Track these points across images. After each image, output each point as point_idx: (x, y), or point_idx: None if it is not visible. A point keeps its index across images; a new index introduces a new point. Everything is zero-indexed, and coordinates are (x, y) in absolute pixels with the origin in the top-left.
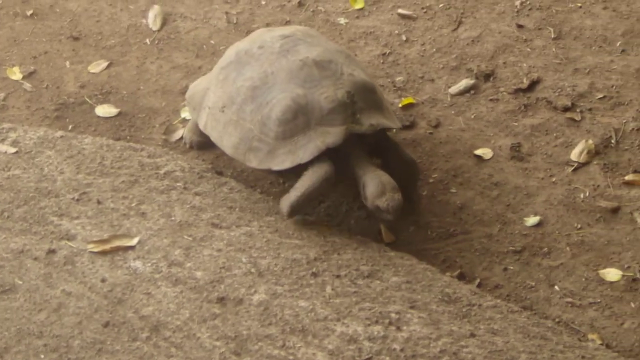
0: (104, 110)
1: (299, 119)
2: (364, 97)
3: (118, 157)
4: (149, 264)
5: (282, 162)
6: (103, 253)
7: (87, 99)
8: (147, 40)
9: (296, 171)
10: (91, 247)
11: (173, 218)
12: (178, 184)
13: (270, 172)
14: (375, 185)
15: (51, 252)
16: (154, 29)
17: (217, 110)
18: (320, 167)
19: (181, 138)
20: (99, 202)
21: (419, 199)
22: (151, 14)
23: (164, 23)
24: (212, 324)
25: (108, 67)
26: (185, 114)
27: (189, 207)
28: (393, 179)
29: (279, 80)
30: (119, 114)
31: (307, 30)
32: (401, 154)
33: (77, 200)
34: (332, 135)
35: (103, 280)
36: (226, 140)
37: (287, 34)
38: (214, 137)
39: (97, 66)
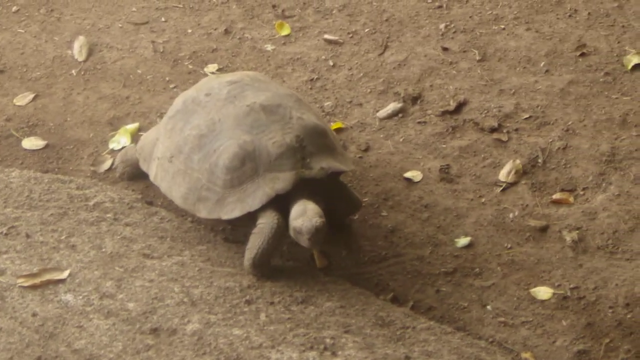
0: (31, 142)
1: (246, 166)
2: (314, 140)
3: (46, 189)
4: (80, 297)
5: (232, 210)
6: (33, 287)
7: (14, 132)
8: (73, 71)
9: (247, 219)
10: (21, 281)
11: (104, 249)
12: (108, 215)
13: (221, 222)
14: (297, 209)
15: None
16: (80, 59)
17: (166, 160)
18: (268, 221)
19: (110, 169)
20: (27, 236)
21: (349, 223)
22: (76, 45)
23: (89, 53)
24: (145, 356)
25: (34, 99)
26: (113, 144)
27: (120, 238)
28: (336, 216)
29: (226, 127)
30: (46, 146)
31: (256, 75)
32: (349, 195)
33: (5, 234)
34: (281, 181)
35: (34, 315)
36: (175, 191)
37: (235, 79)
38: (163, 188)
39: (23, 98)
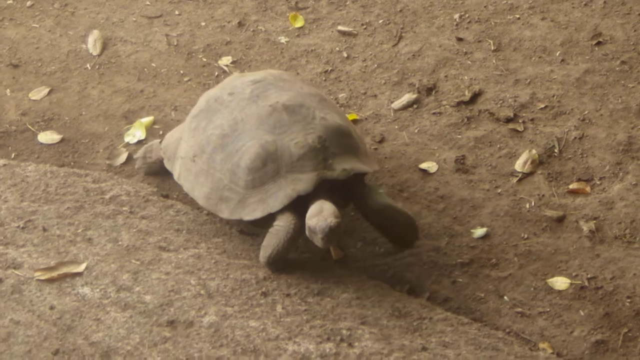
0: (47, 137)
1: (268, 167)
2: (337, 141)
3: (62, 183)
4: (98, 290)
5: (253, 211)
6: (50, 280)
7: (29, 126)
8: (88, 65)
9: (268, 219)
10: (38, 274)
11: (120, 243)
12: (124, 208)
13: (242, 222)
14: (314, 208)
15: None
16: (94, 53)
17: (189, 160)
18: (284, 224)
19: (126, 162)
20: (44, 230)
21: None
22: (91, 39)
23: (104, 47)
24: (162, 348)
25: (49, 93)
26: (128, 138)
27: (136, 231)
28: (384, 232)
29: (248, 127)
30: (62, 140)
31: (280, 74)
32: (379, 200)
33: (22, 228)
34: (303, 182)
35: (51, 308)
36: (197, 191)
37: (258, 79)
38: (186, 187)
39: (38, 93)
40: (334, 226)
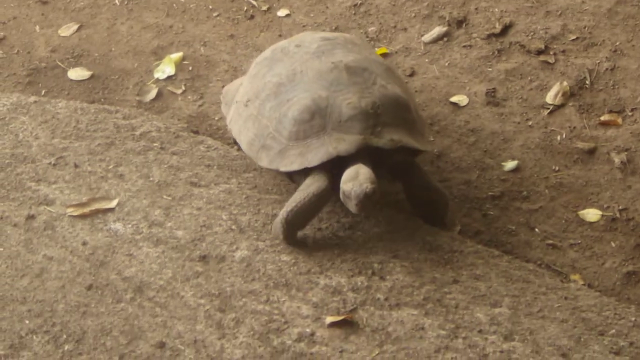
0: (77, 73)
1: (315, 121)
2: (393, 112)
3: (93, 120)
4: (130, 226)
5: (291, 163)
6: (82, 216)
7: (59, 63)
8: (117, 1)
9: (304, 175)
10: (70, 211)
11: (151, 178)
12: (155, 144)
13: (279, 173)
14: (350, 172)
15: (30, 217)
16: None
17: (242, 104)
18: (316, 182)
19: (155, 98)
20: (76, 166)
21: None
22: None
23: None
24: (195, 282)
25: (78, 29)
26: (157, 74)
27: (167, 167)
28: (416, 208)
29: (306, 80)
30: (92, 76)
31: (352, 38)
32: (425, 181)
33: (54, 164)
34: (346, 142)
35: (84, 244)
36: (243, 136)
37: (329, 37)
38: (234, 131)
39: (67, 29)
40: (369, 192)
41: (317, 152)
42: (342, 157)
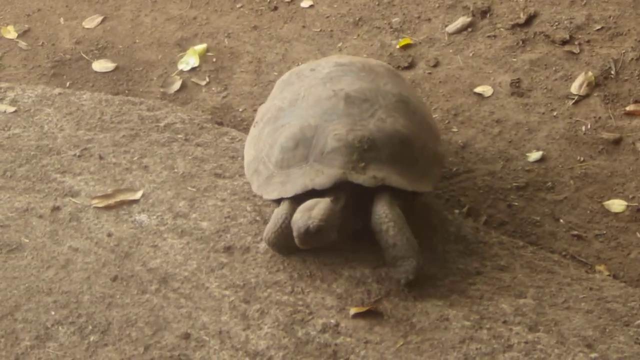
0: (101, 65)
1: (299, 150)
2: (388, 148)
3: (117, 111)
4: (154, 217)
5: (272, 191)
6: (107, 208)
7: (84, 55)
8: None
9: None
10: (95, 202)
11: (176, 170)
12: (179, 135)
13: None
14: (310, 202)
15: (56, 209)
16: None
17: (254, 124)
18: (281, 211)
19: (180, 90)
20: (100, 158)
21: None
22: None
23: None
24: (220, 274)
25: (103, 21)
26: (182, 65)
27: (191, 159)
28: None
29: (304, 106)
30: (116, 68)
31: (372, 65)
32: (378, 214)
33: (79, 156)
34: (324, 176)
35: (109, 235)
36: (246, 155)
37: (344, 62)
38: (245, 150)
39: (91, 21)
40: (312, 229)
41: (295, 183)
42: (322, 190)
